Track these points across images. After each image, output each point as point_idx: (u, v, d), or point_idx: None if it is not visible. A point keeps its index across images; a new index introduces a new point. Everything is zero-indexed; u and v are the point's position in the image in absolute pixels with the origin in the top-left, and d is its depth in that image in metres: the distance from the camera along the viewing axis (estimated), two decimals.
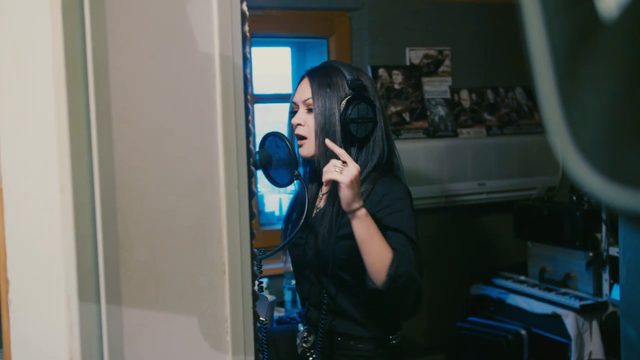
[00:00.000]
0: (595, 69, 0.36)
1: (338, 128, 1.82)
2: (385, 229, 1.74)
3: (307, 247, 1.90)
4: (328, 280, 1.84)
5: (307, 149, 1.88)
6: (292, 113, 1.94)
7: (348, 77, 1.84)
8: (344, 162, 1.66)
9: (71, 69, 0.87)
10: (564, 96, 0.37)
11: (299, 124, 1.88)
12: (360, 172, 1.79)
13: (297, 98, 1.91)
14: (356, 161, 1.82)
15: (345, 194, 1.65)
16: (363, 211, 1.67)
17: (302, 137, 1.88)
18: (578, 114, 0.37)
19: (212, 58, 1.00)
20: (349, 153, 1.80)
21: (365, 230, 1.67)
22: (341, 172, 1.65)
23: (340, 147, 1.76)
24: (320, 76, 1.87)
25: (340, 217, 1.80)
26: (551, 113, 0.37)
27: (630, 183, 0.33)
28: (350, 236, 1.72)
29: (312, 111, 1.86)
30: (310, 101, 1.86)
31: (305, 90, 1.89)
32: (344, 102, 1.83)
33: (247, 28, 1.07)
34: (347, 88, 1.84)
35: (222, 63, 1.01)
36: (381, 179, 1.83)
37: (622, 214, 0.34)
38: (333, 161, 1.69)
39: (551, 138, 0.39)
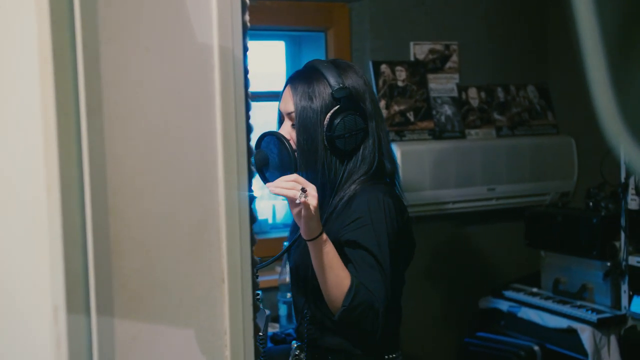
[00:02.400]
0: None
1: (320, 146, 1.81)
2: (350, 244, 1.77)
3: (292, 255, 1.92)
4: (309, 292, 1.85)
5: None
6: (279, 120, 1.95)
7: (333, 85, 1.82)
8: (303, 188, 1.67)
9: (59, 60, 0.87)
10: (616, 81, 0.37)
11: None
12: (346, 181, 1.84)
13: (282, 108, 1.91)
14: (343, 172, 1.83)
15: (309, 223, 1.68)
16: (321, 238, 1.71)
17: None
18: (632, 99, 0.37)
19: (211, 49, 1.00)
20: (335, 165, 1.81)
21: (323, 258, 1.71)
22: (305, 200, 1.66)
23: (327, 162, 1.78)
24: (302, 84, 1.85)
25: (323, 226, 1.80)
26: (603, 98, 0.37)
27: None
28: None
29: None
30: (294, 115, 1.85)
31: (287, 102, 1.87)
32: (328, 117, 1.81)
33: (247, 17, 1.07)
34: (332, 98, 1.82)
35: (221, 55, 1.01)
36: (364, 185, 1.83)
37: None
38: (283, 178, 1.70)
39: (603, 124, 0.39)
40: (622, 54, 0.36)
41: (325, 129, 1.81)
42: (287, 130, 1.87)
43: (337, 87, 1.81)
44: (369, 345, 1.85)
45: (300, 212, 1.68)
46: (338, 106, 1.81)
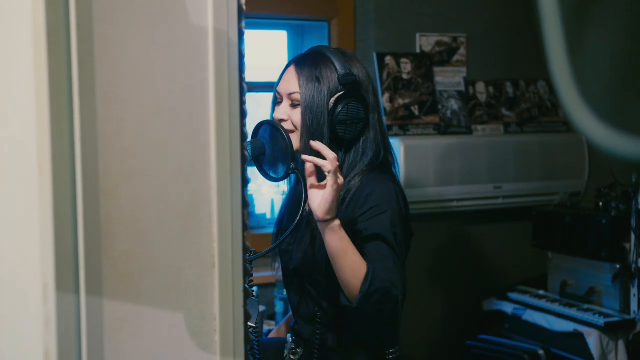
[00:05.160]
0: (602, 22, 0.39)
1: (326, 129, 1.85)
2: (365, 234, 1.79)
3: (294, 254, 1.94)
4: (319, 292, 1.88)
5: (294, 143, 1.91)
6: (275, 102, 1.98)
7: (340, 70, 1.86)
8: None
9: (53, 39, 0.90)
10: (571, 47, 0.40)
11: (283, 119, 1.91)
12: (347, 174, 1.87)
13: (282, 89, 1.94)
14: (343, 164, 1.87)
15: (332, 203, 1.68)
16: (337, 222, 1.71)
17: (289, 131, 1.91)
18: (585, 64, 0.40)
19: (205, 32, 1.04)
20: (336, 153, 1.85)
21: (338, 243, 1.71)
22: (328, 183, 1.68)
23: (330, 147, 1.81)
24: (309, 67, 1.90)
25: None
26: (558, 63, 0.41)
27: (633, 132, 0.37)
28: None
29: (297, 106, 1.89)
30: (297, 96, 1.88)
31: (291, 81, 1.91)
32: (332, 100, 1.86)
33: (243, 0, 1.11)
34: (337, 83, 1.87)
35: (216, 38, 1.04)
36: (370, 175, 1.87)
37: (625, 161, 0.38)
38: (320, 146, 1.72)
39: (556, 88, 0.43)
40: (577, 23, 0.40)
41: (329, 111, 1.85)
42: (285, 111, 1.91)
43: (343, 72, 1.86)
44: (369, 341, 1.89)
45: (319, 188, 1.70)
46: (343, 92, 1.86)
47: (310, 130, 1.85)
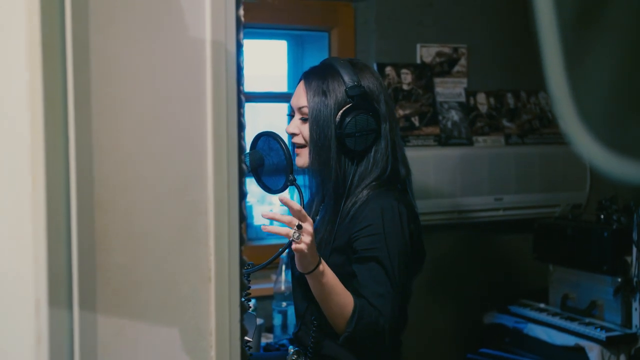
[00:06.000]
0: (601, 42, 0.39)
1: (333, 143, 1.85)
2: (361, 254, 1.81)
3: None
4: (313, 300, 1.88)
5: (303, 158, 1.93)
6: (289, 116, 1.99)
7: (347, 83, 1.87)
8: (299, 224, 1.71)
9: (48, 50, 0.90)
10: (569, 67, 0.40)
11: (294, 133, 1.93)
12: (358, 185, 1.87)
13: (293, 103, 1.97)
14: (354, 174, 1.87)
15: (303, 261, 1.73)
16: (320, 268, 1.74)
17: (301, 146, 1.93)
18: (583, 84, 0.40)
19: (203, 44, 1.03)
20: (346, 165, 1.85)
21: (324, 287, 1.76)
22: (299, 240, 1.70)
23: (336, 161, 1.82)
24: (316, 80, 1.91)
25: (334, 230, 1.84)
26: (556, 83, 0.40)
27: (631, 154, 0.36)
28: (341, 251, 1.78)
29: (307, 120, 1.90)
30: (306, 109, 1.90)
31: (300, 96, 1.93)
32: (340, 114, 1.86)
33: (242, 12, 1.11)
34: (345, 95, 1.87)
35: (213, 50, 1.04)
36: (377, 191, 1.86)
37: (623, 183, 0.37)
38: (279, 213, 1.76)
39: (555, 107, 0.42)
40: (577, 43, 0.39)
41: (336, 125, 1.85)
42: (297, 125, 1.94)
43: (351, 84, 1.86)
44: (370, 354, 1.88)
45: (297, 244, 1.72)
46: (350, 104, 1.85)
47: (318, 144, 1.86)
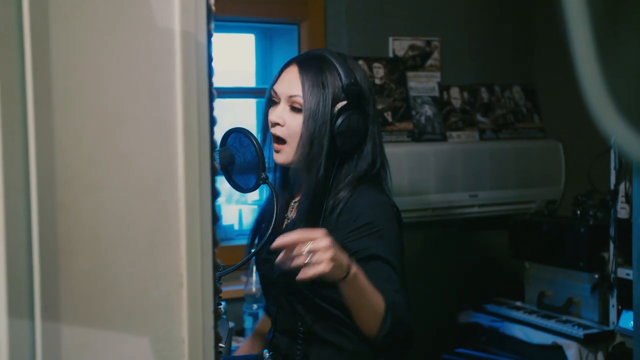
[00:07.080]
0: (635, 29, 0.36)
1: (326, 140, 1.80)
2: (363, 254, 1.73)
3: (276, 265, 1.89)
4: (303, 306, 1.83)
5: (285, 155, 1.85)
6: (270, 102, 1.91)
7: (344, 80, 1.81)
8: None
9: (4, 41, 0.86)
10: (602, 56, 0.37)
11: (278, 124, 1.85)
12: (338, 184, 1.83)
13: (281, 89, 1.86)
14: (336, 175, 1.83)
15: (332, 275, 1.55)
16: (353, 271, 1.58)
17: (281, 141, 1.85)
18: (617, 74, 0.37)
19: (172, 34, 0.99)
20: (328, 166, 1.80)
21: (357, 291, 1.62)
22: (319, 261, 1.52)
23: (325, 160, 1.77)
24: (313, 71, 1.83)
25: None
26: (588, 73, 0.37)
27: None
28: None
29: (298, 111, 1.82)
30: (299, 99, 1.82)
31: (293, 83, 1.84)
32: (336, 109, 1.81)
33: (212, 1, 1.07)
34: (340, 92, 1.82)
35: (183, 40, 1.00)
36: (360, 187, 1.83)
37: None
38: (294, 247, 1.55)
39: (590, 104, 0.39)
40: (609, 27, 0.37)
41: (331, 122, 1.81)
42: (282, 115, 1.85)
43: (347, 81, 1.81)
44: (356, 356, 1.85)
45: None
46: (346, 102, 1.82)
47: (310, 139, 1.80)
